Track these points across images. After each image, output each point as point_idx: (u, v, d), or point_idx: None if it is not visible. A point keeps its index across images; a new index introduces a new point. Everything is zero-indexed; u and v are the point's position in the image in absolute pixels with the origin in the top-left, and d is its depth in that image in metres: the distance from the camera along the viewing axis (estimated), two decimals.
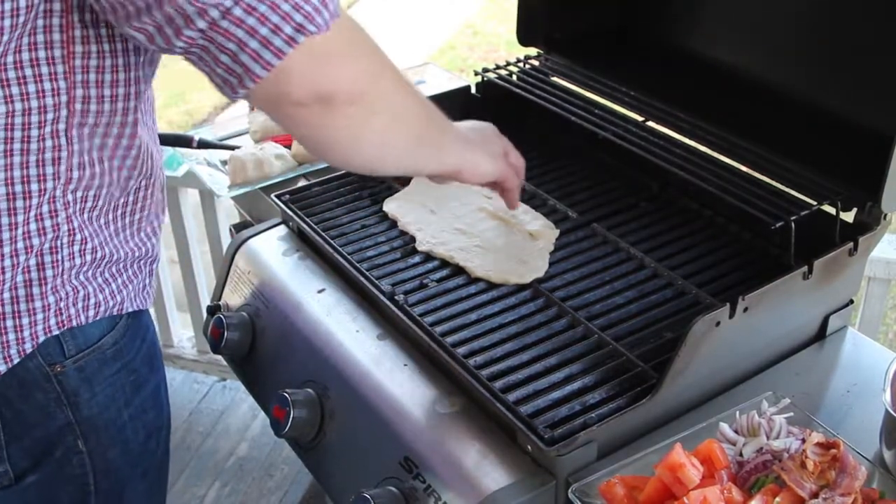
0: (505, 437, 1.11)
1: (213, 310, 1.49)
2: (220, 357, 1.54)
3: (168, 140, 1.79)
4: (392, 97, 1.07)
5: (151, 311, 2.33)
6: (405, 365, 1.23)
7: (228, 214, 2.57)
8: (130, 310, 1.22)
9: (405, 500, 1.09)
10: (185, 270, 2.70)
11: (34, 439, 1.20)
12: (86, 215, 1.10)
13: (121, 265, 1.19)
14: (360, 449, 1.20)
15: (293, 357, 1.34)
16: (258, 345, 1.41)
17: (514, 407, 1.09)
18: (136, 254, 1.20)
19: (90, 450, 1.25)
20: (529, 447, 1.08)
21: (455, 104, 1.67)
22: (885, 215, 1.25)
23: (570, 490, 1.03)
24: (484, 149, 1.26)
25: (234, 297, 1.48)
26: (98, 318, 1.17)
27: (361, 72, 1.03)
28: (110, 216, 1.15)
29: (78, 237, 1.10)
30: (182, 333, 2.91)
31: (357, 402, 1.22)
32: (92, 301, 1.16)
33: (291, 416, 1.23)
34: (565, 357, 1.19)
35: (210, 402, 2.81)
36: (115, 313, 1.20)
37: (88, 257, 1.13)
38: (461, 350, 1.19)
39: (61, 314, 1.12)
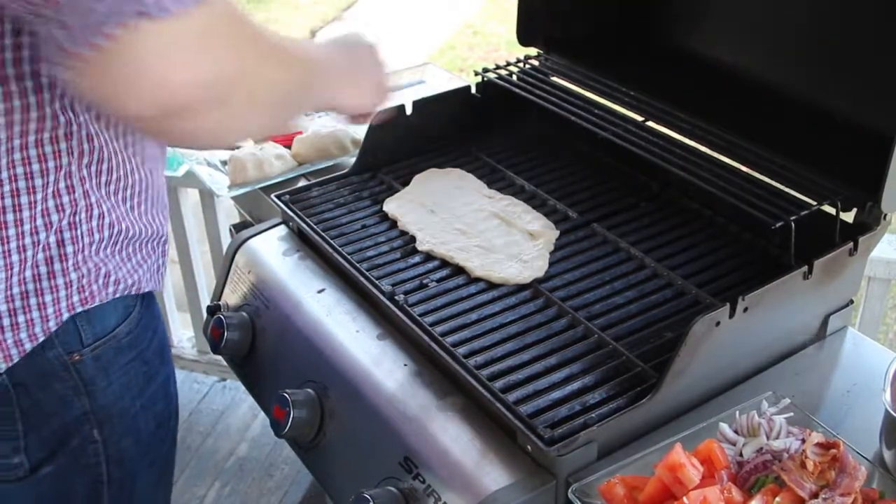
0: (505, 437, 1.11)
1: (213, 310, 1.49)
2: (220, 357, 1.54)
3: None
4: (252, 87, 0.94)
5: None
6: (405, 365, 1.23)
7: (228, 214, 2.57)
8: (147, 289, 1.24)
9: (405, 500, 1.09)
10: (185, 270, 2.70)
11: (52, 429, 1.20)
12: (102, 190, 1.12)
13: (136, 243, 1.20)
14: (359, 449, 1.20)
15: (293, 357, 1.34)
16: (258, 345, 1.41)
17: (514, 407, 1.09)
18: (150, 231, 1.22)
19: (105, 439, 1.26)
20: (529, 447, 1.08)
21: (455, 104, 1.67)
22: (885, 215, 1.25)
23: (570, 490, 1.03)
24: (360, 81, 1.24)
25: (234, 297, 1.48)
26: (117, 295, 1.18)
27: (209, 72, 0.87)
28: (127, 192, 1.16)
29: (96, 212, 1.12)
30: (182, 333, 2.90)
31: (357, 402, 1.22)
32: (112, 278, 1.17)
33: (291, 416, 1.23)
34: (565, 357, 1.19)
35: (210, 402, 2.81)
36: (133, 292, 1.21)
37: (106, 233, 1.14)
38: (461, 350, 1.19)
39: (84, 291, 1.13)
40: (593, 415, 1.08)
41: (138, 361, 1.26)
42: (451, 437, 1.12)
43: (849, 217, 1.27)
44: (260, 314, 1.41)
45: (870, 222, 1.25)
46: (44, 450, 1.21)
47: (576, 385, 1.14)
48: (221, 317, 1.42)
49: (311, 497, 2.48)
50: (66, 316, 1.12)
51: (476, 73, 1.66)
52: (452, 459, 1.10)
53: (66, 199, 1.08)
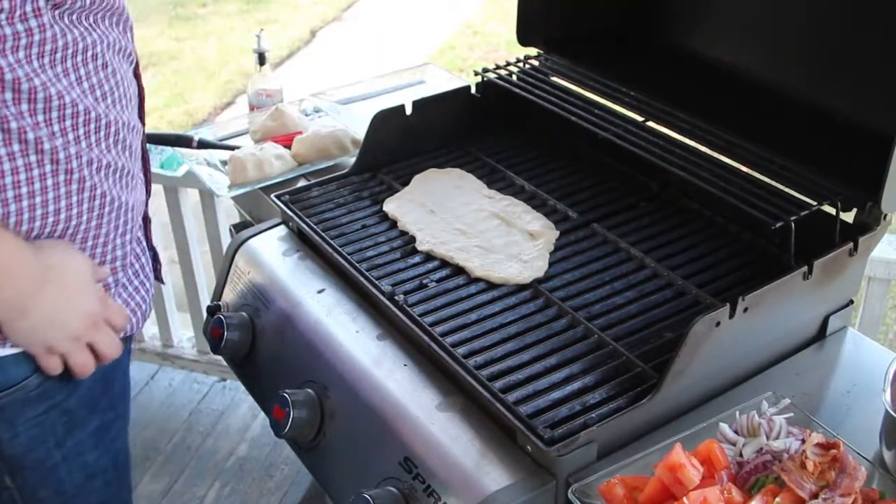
0: (505, 437, 1.11)
1: (213, 310, 1.49)
2: (220, 357, 1.54)
3: (168, 140, 1.80)
4: None
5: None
6: (405, 365, 1.23)
7: (228, 214, 2.56)
8: None
9: (405, 501, 1.09)
10: (185, 270, 2.70)
11: None
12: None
13: None
14: (359, 449, 1.20)
15: (293, 357, 1.34)
16: (258, 345, 1.41)
17: (514, 407, 1.09)
18: None
19: (18, 486, 1.22)
20: (529, 447, 1.08)
21: (455, 104, 1.67)
22: (885, 215, 1.25)
23: (569, 490, 1.03)
24: (39, 335, 1.09)
25: (234, 297, 1.48)
26: (15, 351, 1.11)
27: None
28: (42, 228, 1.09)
29: None
30: (182, 333, 2.90)
31: (357, 403, 1.22)
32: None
33: (291, 416, 1.23)
34: (565, 357, 1.19)
35: (210, 402, 2.81)
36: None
37: None
38: (461, 350, 1.19)
39: None
40: (593, 415, 1.08)
41: (56, 412, 1.20)
42: (451, 437, 1.12)
43: (849, 217, 1.27)
44: (260, 314, 1.41)
45: (870, 222, 1.25)
46: None
47: (576, 385, 1.14)
48: (221, 317, 1.42)
49: (311, 497, 2.48)
50: None
51: (476, 74, 1.66)
52: (452, 460, 1.10)
53: None
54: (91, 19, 1.08)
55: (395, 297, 1.27)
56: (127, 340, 1.28)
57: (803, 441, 1.03)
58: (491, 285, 1.32)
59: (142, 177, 1.26)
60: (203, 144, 1.79)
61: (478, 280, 1.33)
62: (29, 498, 1.24)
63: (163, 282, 1.43)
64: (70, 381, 1.19)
